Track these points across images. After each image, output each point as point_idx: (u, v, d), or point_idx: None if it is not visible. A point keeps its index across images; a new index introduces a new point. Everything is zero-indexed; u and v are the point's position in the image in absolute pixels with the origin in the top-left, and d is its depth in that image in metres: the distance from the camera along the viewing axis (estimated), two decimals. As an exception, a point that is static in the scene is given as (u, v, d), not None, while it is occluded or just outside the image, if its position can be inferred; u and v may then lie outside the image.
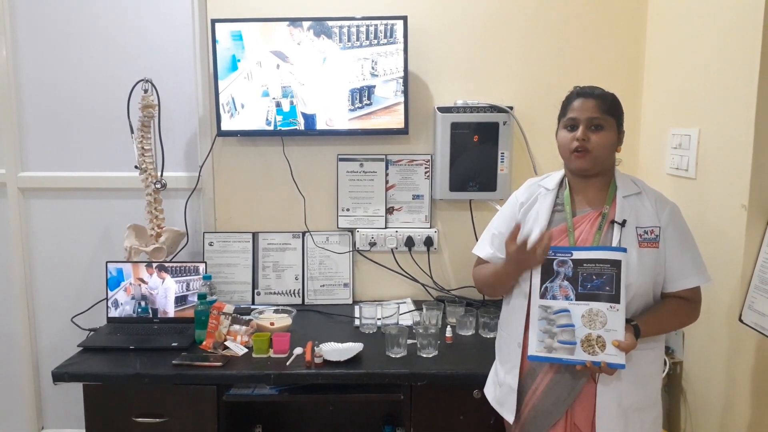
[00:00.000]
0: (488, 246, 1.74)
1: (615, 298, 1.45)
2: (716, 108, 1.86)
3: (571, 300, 1.49)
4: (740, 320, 1.69)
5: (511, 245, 1.51)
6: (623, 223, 1.51)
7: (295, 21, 2.30)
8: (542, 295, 1.52)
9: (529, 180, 1.75)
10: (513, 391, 1.59)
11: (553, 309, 1.50)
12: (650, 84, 2.35)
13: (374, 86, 2.33)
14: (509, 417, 1.60)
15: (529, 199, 1.67)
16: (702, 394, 1.91)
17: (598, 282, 1.47)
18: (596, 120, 1.52)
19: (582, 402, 1.52)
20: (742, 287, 1.69)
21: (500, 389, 1.66)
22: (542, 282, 1.52)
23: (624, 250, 1.47)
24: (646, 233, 1.51)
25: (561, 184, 1.65)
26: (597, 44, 2.39)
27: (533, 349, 1.50)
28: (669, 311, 1.54)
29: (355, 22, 2.29)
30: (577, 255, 1.49)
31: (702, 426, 1.91)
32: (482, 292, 1.83)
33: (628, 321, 1.46)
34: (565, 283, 1.49)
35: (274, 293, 2.49)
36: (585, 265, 1.48)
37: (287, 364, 1.89)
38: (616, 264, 1.45)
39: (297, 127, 2.37)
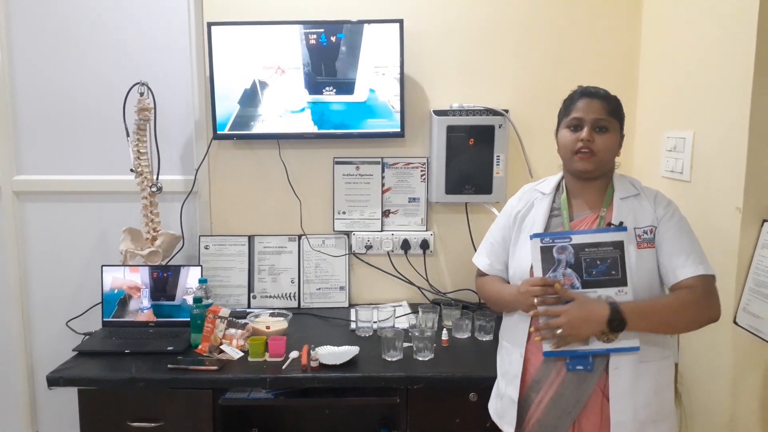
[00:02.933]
0: (486, 256, 1.73)
1: (622, 281, 1.42)
2: (711, 111, 1.86)
3: (578, 288, 1.45)
4: (735, 322, 1.70)
5: (527, 284, 1.50)
6: (620, 225, 1.49)
7: (290, 24, 2.30)
8: None
9: (525, 186, 1.73)
10: (513, 403, 1.55)
11: (560, 300, 1.46)
12: (645, 87, 2.36)
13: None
14: (509, 430, 1.56)
15: (525, 206, 1.65)
16: (697, 395, 1.91)
17: (602, 267, 1.43)
18: (602, 122, 1.51)
19: (589, 415, 1.48)
20: (737, 289, 1.70)
21: (501, 402, 1.63)
22: (544, 272, 1.48)
23: (625, 228, 1.43)
24: (645, 233, 1.48)
25: (558, 187, 1.63)
26: (592, 47, 2.40)
27: (547, 346, 1.47)
28: (667, 298, 1.48)
29: (351, 26, 2.29)
30: (577, 239, 1.44)
31: (698, 428, 1.91)
32: (486, 303, 1.81)
33: (610, 304, 1.42)
34: (569, 271, 1.45)
35: (270, 297, 2.48)
36: (587, 249, 1.44)
37: (283, 367, 1.88)
38: (619, 245, 1.42)
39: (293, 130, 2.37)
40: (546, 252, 1.47)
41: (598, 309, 1.42)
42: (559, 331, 1.45)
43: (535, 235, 1.49)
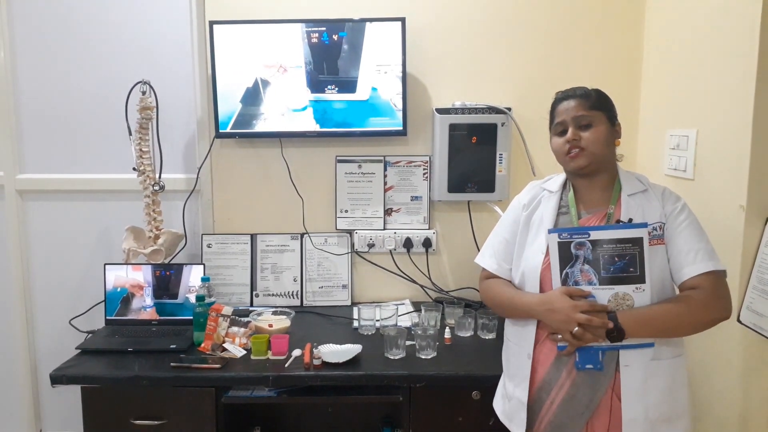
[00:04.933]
0: (493, 257, 1.68)
1: (640, 278, 1.41)
2: (714, 109, 1.86)
3: (595, 285, 1.44)
4: (738, 321, 1.69)
5: (566, 298, 1.44)
6: (629, 222, 1.48)
7: (292, 23, 2.30)
8: (563, 282, 1.46)
9: (531, 183, 1.72)
10: (523, 406, 1.54)
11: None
12: (648, 85, 2.35)
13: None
14: None
15: (532, 202, 1.63)
16: (700, 394, 1.91)
17: (621, 264, 1.41)
18: (583, 118, 1.51)
19: (601, 415, 1.47)
20: (741, 288, 1.69)
21: (509, 403, 1.61)
22: (561, 268, 1.46)
23: (645, 225, 1.42)
24: (654, 229, 1.46)
25: (564, 186, 1.62)
26: (595, 45, 2.39)
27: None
28: (666, 303, 1.45)
29: (353, 24, 2.29)
30: (595, 235, 1.43)
31: (701, 427, 1.91)
32: (491, 308, 1.74)
33: (607, 312, 1.42)
34: (586, 267, 1.44)
35: (273, 295, 2.48)
36: (605, 246, 1.42)
37: (286, 365, 1.88)
38: (638, 242, 1.40)
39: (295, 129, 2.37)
40: (563, 247, 1.45)
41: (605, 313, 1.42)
42: (558, 336, 1.46)
43: (553, 230, 1.48)
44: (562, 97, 1.57)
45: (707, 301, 1.44)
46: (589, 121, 1.51)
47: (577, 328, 1.41)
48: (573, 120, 1.51)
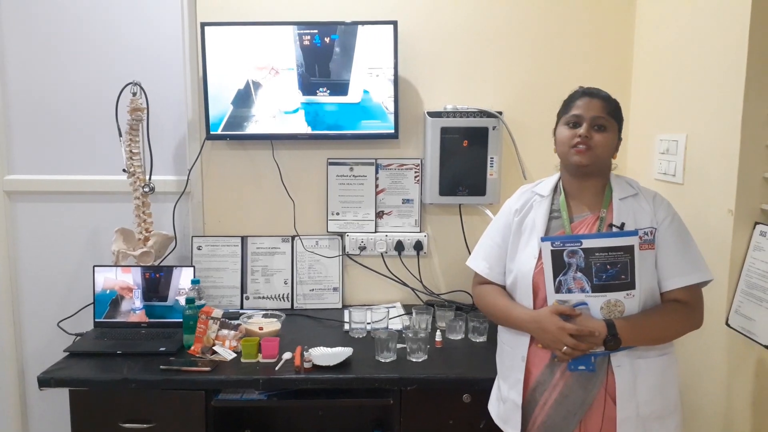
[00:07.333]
0: (485, 261, 1.70)
1: (630, 285, 1.44)
2: (703, 114, 1.87)
3: (588, 292, 1.46)
4: (727, 324, 1.71)
5: (555, 319, 1.46)
6: (622, 226, 1.49)
7: (284, 25, 2.30)
8: (557, 290, 1.47)
9: (522, 187, 1.72)
10: (517, 407, 1.55)
11: (571, 303, 1.46)
12: (638, 90, 2.37)
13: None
14: None
15: (523, 207, 1.63)
16: (691, 397, 1.92)
17: (613, 271, 1.43)
18: (601, 120, 1.52)
19: (594, 415, 1.48)
20: (729, 291, 1.71)
21: (504, 405, 1.62)
22: (555, 276, 1.47)
23: (636, 233, 1.44)
24: (646, 234, 1.48)
25: (555, 189, 1.62)
26: (585, 50, 2.41)
27: None
28: (657, 313, 1.49)
29: (345, 27, 2.29)
30: (587, 243, 1.44)
31: (688, 427, 1.92)
32: (485, 315, 1.76)
33: (608, 324, 1.44)
34: (579, 274, 1.45)
35: (263, 298, 2.47)
36: (597, 254, 1.44)
37: (276, 369, 1.88)
38: (629, 250, 1.43)
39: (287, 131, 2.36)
40: (556, 255, 1.46)
41: (596, 330, 1.43)
42: (564, 348, 1.46)
43: (546, 239, 1.49)
44: (585, 92, 1.57)
45: (688, 315, 1.52)
46: (604, 125, 1.53)
47: (565, 348, 1.44)
48: (591, 118, 1.52)
